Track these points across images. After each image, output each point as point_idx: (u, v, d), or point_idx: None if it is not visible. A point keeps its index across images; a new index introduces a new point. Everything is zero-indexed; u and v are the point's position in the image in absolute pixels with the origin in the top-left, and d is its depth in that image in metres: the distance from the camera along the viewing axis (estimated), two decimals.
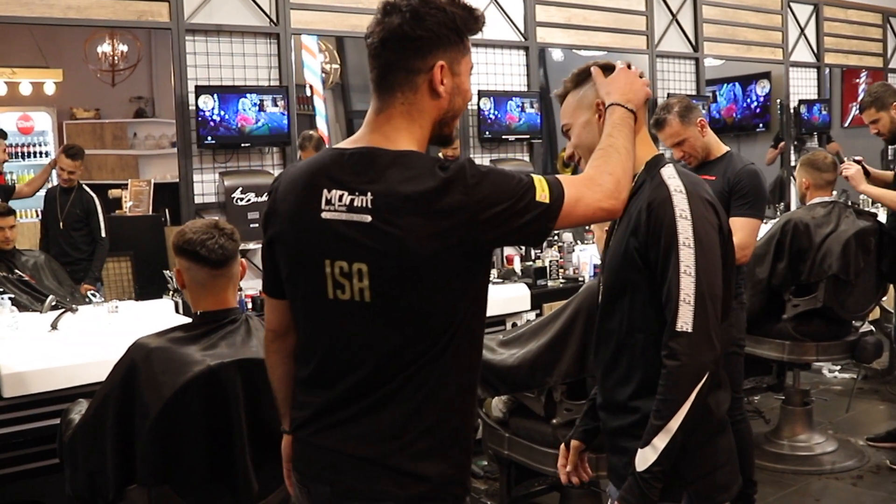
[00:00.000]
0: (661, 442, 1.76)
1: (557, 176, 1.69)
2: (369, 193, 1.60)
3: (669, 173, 1.93)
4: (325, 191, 1.65)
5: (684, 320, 1.78)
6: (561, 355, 3.27)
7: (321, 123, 4.95)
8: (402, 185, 1.58)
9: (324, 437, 1.71)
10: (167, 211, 5.69)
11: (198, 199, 4.25)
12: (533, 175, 1.65)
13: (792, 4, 7.42)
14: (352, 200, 1.61)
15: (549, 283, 4.89)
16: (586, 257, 5.18)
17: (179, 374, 2.29)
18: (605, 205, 1.73)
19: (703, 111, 6.45)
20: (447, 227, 1.56)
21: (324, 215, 1.64)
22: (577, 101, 2.05)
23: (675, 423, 1.76)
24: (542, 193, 1.62)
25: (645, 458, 1.78)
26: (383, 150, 1.64)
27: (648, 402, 1.83)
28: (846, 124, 8.26)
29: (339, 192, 1.64)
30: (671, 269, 1.81)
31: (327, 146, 4.90)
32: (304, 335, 1.78)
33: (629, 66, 2.02)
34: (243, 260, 2.54)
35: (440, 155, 5.68)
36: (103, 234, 4.76)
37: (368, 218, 1.59)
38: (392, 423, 1.65)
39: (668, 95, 6.35)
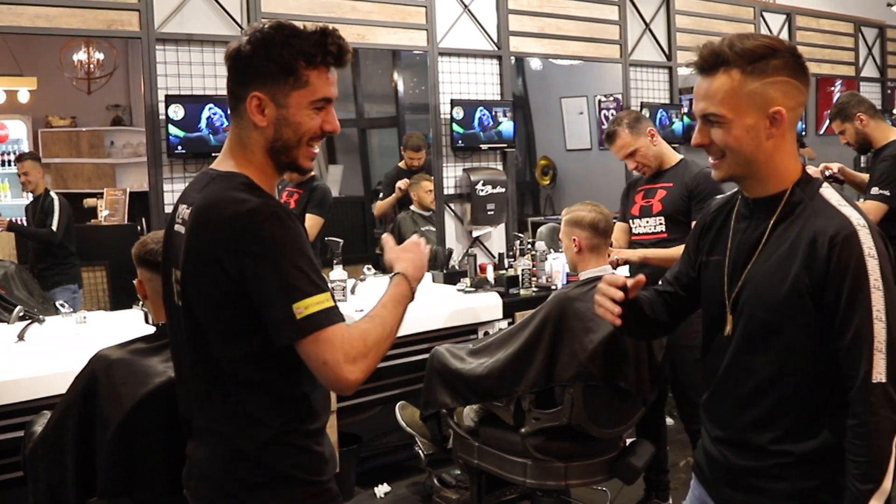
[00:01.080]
0: (878, 503, 1.65)
1: (338, 325, 1.63)
2: (190, 208, 1.76)
3: (838, 199, 1.78)
4: (180, 206, 1.84)
5: (879, 370, 1.64)
6: (529, 364, 3.29)
7: None
8: (206, 199, 1.71)
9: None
10: (143, 220, 5.67)
11: (168, 209, 4.23)
12: (321, 292, 1.62)
13: (765, 14, 7.49)
14: (184, 214, 1.78)
15: (522, 292, 4.91)
16: (559, 266, 5.19)
17: (140, 385, 2.28)
18: (344, 370, 1.61)
19: (677, 120, 6.50)
20: (215, 238, 1.65)
21: (174, 227, 1.84)
22: (744, 90, 1.74)
23: (888, 482, 1.65)
24: (301, 308, 1.59)
25: None
26: (214, 171, 1.79)
27: (798, 445, 1.76)
28: (821, 132, 8.32)
29: (182, 206, 1.82)
30: (859, 314, 1.66)
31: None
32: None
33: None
34: None
35: (401, 165, 5.70)
36: (54, 228, 4.92)
37: (183, 230, 1.76)
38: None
39: (642, 105, 6.38)
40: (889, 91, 9.12)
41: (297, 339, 1.61)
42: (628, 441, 3.52)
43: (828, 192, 1.80)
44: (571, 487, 3.54)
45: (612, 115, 6.91)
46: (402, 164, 5.78)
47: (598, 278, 3.37)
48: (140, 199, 5.97)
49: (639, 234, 3.96)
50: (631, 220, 4.03)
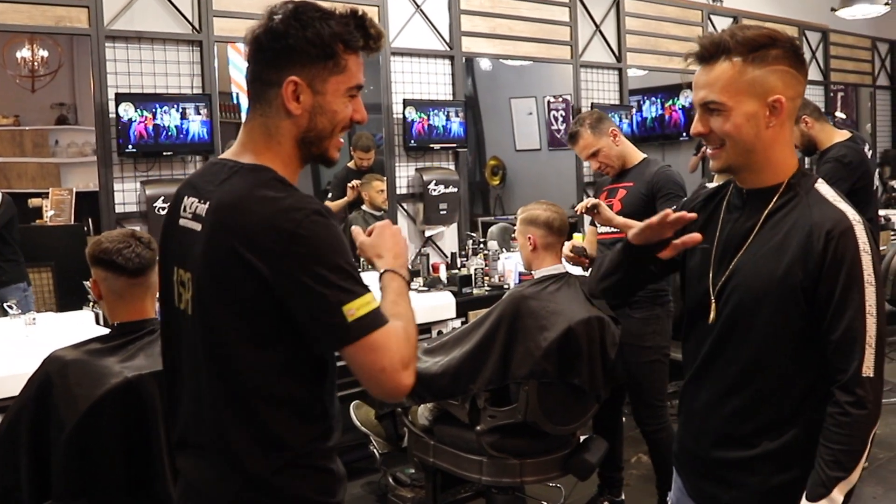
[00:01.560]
0: (840, 494, 1.66)
1: (388, 325, 1.51)
2: (207, 203, 1.60)
3: (833, 195, 1.78)
4: (186, 197, 1.67)
5: (868, 364, 1.66)
6: (484, 362, 3.31)
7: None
8: (233, 195, 1.56)
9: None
10: (90, 220, 5.59)
11: (119, 209, 4.18)
12: (367, 292, 1.51)
13: (712, 17, 7.61)
14: (196, 208, 1.62)
15: (475, 291, 4.93)
16: (511, 265, 5.23)
17: (96, 386, 2.25)
18: (401, 376, 1.50)
19: (626, 121, 6.58)
20: (247, 240, 1.50)
21: (180, 222, 1.66)
22: (745, 79, 1.74)
23: (856, 473, 1.67)
24: (352, 309, 1.47)
25: None
26: (233, 162, 1.63)
27: (774, 441, 1.77)
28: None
29: (192, 199, 1.65)
30: (852, 309, 1.67)
31: None
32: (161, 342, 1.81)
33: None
34: None
35: (350, 165, 5.69)
36: None
37: (198, 227, 1.59)
38: None
39: (592, 106, 6.45)
40: (832, 94, 9.33)
41: (349, 343, 1.48)
42: (582, 438, 3.56)
43: (823, 187, 1.81)
44: (526, 484, 3.57)
45: (562, 115, 6.99)
46: (351, 165, 5.77)
47: (553, 276, 3.45)
48: (86, 199, 5.89)
49: (602, 234, 3.94)
50: (598, 226, 3.97)
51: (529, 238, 3.53)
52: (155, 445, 2.29)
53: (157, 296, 1.82)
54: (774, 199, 1.80)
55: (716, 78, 1.75)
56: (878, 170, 8.22)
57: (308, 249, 1.47)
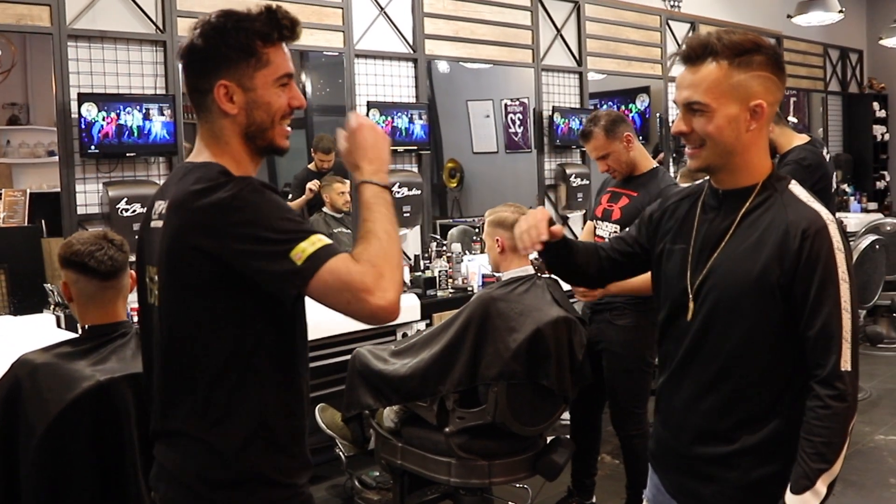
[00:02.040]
0: (823, 485, 1.70)
1: (340, 255, 1.55)
2: (167, 201, 1.70)
3: (806, 196, 1.83)
4: (156, 201, 1.78)
5: (846, 358, 1.71)
6: (453, 364, 3.32)
7: None
8: (181, 189, 1.66)
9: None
10: (43, 222, 5.49)
11: (80, 210, 4.13)
12: (312, 234, 1.56)
13: (670, 22, 7.71)
14: (160, 208, 1.73)
15: (439, 294, 4.94)
16: (475, 267, 5.25)
17: (67, 390, 2.22)
18: (372, 297, 1.53)
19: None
20: (192, 224, 1.60)
21: (151, 224, 1.78)
22: (729, 82, 1.79)
23: (838, 464, 1.71)
24: (298, 253, 1.54)
25: (806, 501, 1.70)
26: (190, 163, 1.75)
27: (753, 435, 1.81)
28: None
29: (159, 202, 1.76)
30: (828, 306, 1.72)
31: None
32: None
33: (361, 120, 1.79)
34: (133, 272, 2.48)
35: (311, 166, 5.66)
36: None
37: (161, 223, 1.70)
38: None
39: (554, 109, 6.49)
40: (785, 99, 9.50)
41: (305, 283, 1.53)
42: (549, 439, 3.59)
43: (796, 188, 1.86)
44: (494, 485, 3.58)
45: (519, 118, 7.03)
46: (311, 166, 5.74)
47: (521, 278, 3.47)
48: (40, 201, 5.78)
49: (600, 237, 3.85)
50: (595, 221, 3.94)
51: (497, 240, 3.56)
52: (128, 449, 2.27)
53: (135, 297, 1.89)
54: (750, 200, 1.84)
55: (701, 79, 1.79)
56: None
57: (245, 216, 1.56)
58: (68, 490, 2.24)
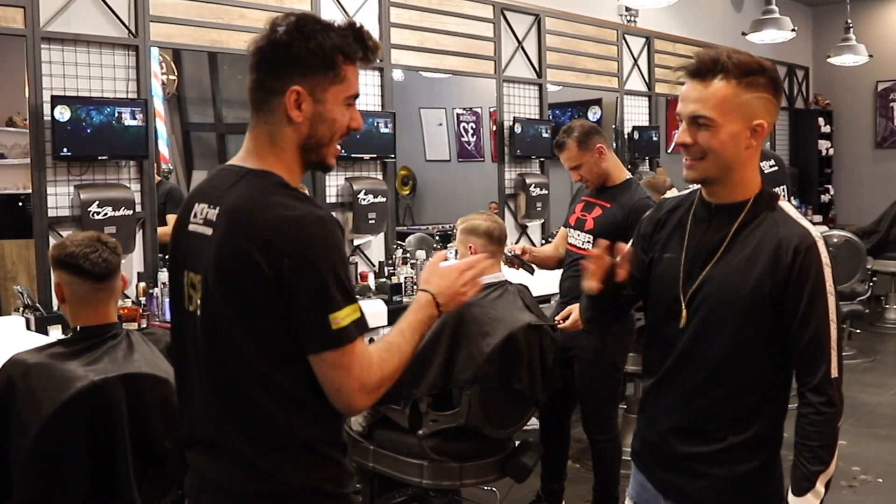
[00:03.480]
0: (822, 485, 1.83)
1: (363, 342, 1.61)
2: (217, 208, 1.66)
3: (795, 213, 1.95)
4: (196, 204, 1.73)
5: (834, 366, 1.83)
6: (427, 368, 3.39)
7: (162, 147, 4.89)
8: (243, 198, 1.62)
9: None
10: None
11: (51, 213, 4.11)
12: (355, 301, 1.60)
13: (627, 36, 7.88)
14: (207, 213, 1.68)
15: (405, 300, 5.00)
16: None
17: (61, 390, 2.25)
18: (356, 398, 1.60)
19: (547, 134, 6.75)
20: (251, 244, 1.56)
21: (189, 227, 1.72)
22: (737, 101, 1.86)
23: (833, 464, 1.84)
24: (338, 318, 1.56)
25: (808, 502, 1.83)
26: (239, 167, 1.70)
27: (739, 435, 1.93)
28: (669, 150, 8.79)
29: (202, 206, 1.71)
30: (817, 317, 1.83)
31: (166, 165, 4.87)
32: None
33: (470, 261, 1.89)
34: (124, 274, 2.52)
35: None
36: None
37: (210, 231, 1.66)
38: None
39: (515, 119, 6.61)
40: None
41: (324, 349, 1.56)
42: (517, 442, 3.67)
43: (785, 205, 1.97)
44: (465, 487, 3.66)
45: (472, 128, 7.12)
46: None
47: (493, 285, 3.55)
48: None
49: (572, 245, 3.93)
50: (568, 229, 4.00)
51: (470, 247, 3.63)
52: (120, 449, 2.31)
53: (170, 299, 1.85)
54: (743, 214, 1.94)
55: (711, 94, 1.86)
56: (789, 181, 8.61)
57: (309, 254, 1.55)
58: (61, 489, 2.28)
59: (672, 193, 3.79)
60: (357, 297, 1.63)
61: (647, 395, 2.13)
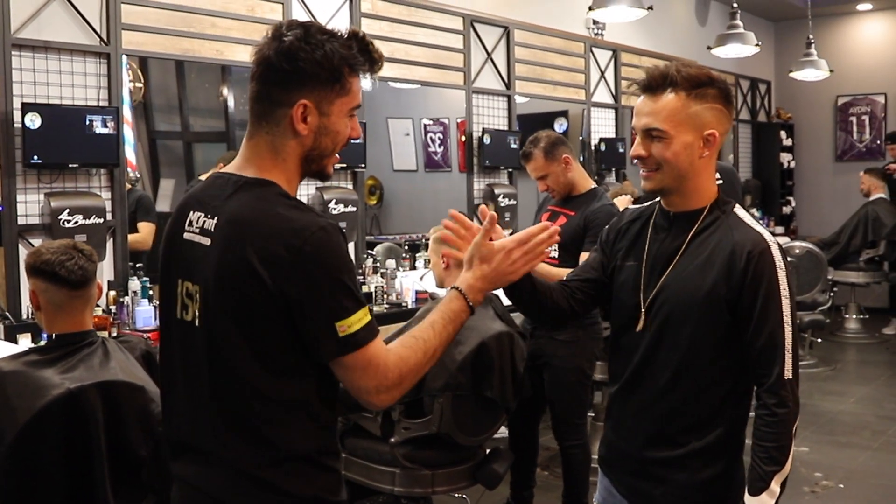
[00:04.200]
0: (777, 484, 1.86)
1: (377, 342, 1.61)
2: (216, 218, 1.64)
3: (750, 219, 2.00)
4: (192, 212, 1.70)
5: (788, 367, 1.86)
6: None
7: (129, 153, 4.87)
8: (239, 210, 1.60)
9: None
10: None
11: (21, 221, 4.08)
12: (363, 306, 1.59)
13: (594, 49, 7.97)
14: (203, 223, 1.66)
15: (375, 309, 5.01)
16: (408, 283, 5.35)
17: (37, 397, 2.25)
18: (376, 397, 1.61)
19: (515, 144, 6.81)
20: (252, 255, 1.55)
21: (185, 236, 1.70)
22: (687, 112, 1.93)
23: (788, 464, 1.87)
24: (344, 325, 1.56)
25: (763, 502, 1.86)
26: (237, 176, 1.67)
27: (700, 440, 1.96)
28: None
29: (198, 214, 1.68)
30: (773, 320, 1.87)
31: (134, 173, 4.86)
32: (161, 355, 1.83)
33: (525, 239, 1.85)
34: (99, 282, 2.52)
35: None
36: None
37: (208, 241, 1.64)
38: None
39: (484, 130, 6.65)
40: None
41: (337, 356, 1.57)
42: (488, 450, 3.70)
43: (741, 211, 2.03)
44: (436, 494, 3.68)
45: (439, 138, 7.16)
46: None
47: None
48: None
49: None
50: None
51: (443, 257, 3.66)
52: (96, 457, 2.31)
53: (160, 307, 1.83)
54: (699, 221, 2.00)
55: (661, 107, 1.94)
56: (741, 194, 8.74)
57: (312, 264, 1.54)
58: (37, 497, 2.27)
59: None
60: (365, 301, 1.63)
61: (613, 401, 2.18)
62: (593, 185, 3.99)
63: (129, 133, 4.77)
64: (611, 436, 2.19)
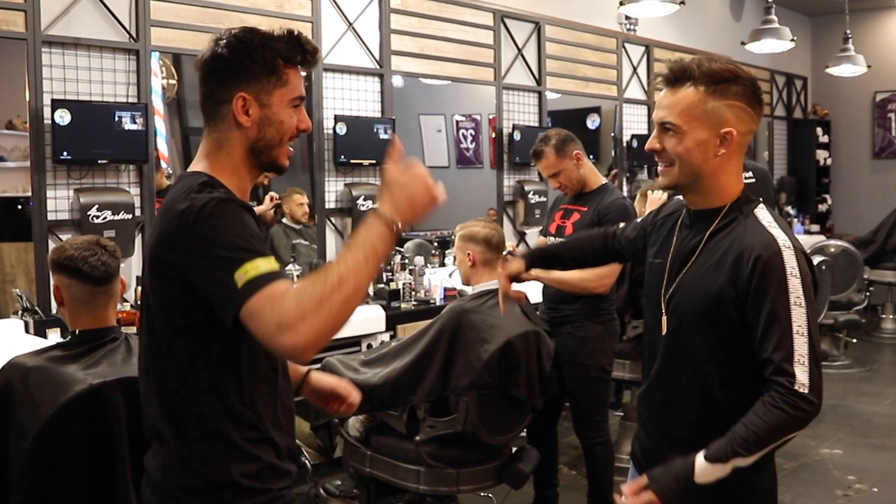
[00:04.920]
0: (731, 467, 1.76)
1: (279, 284, 1.54)
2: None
3: (769, 220, 1.90)
4: None
5: (802, 381, 1.74)
6: (425, 374, 3.40)
7: (161, 144, 4.89)
8: (166, 199, 1.72)
9: None
10: None
11: (51, 216, 4.12)
12: (260, 256, 1.56)
13: (626, 44, 7.90)
14: None
15: (403, 306, 5.01)
16: (437, 280, 5.34)
17: (60, 393, 2.24)
18: (278, 338, 1.50)
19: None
20: (161, 234, 1.66)
21: None
22: (703, 107, 1.88)
23: (753, 458, 1.76)
24: (241, 274, 1.54)
25: (710, 472, 1.78)
26: (183, 173, 1.82)
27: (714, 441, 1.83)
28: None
29: None
30: (780, 328, 1.76)
31: (165, 165, 4.87)
32: None
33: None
34: (123, 278, 2.52)
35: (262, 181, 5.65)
36: None
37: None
38: None
39: (514, 126, 6.62)
40: None
41: (239, 308, 1.53)
42: (514, 448, 3.68)
43: (762, 212, 1.94)
44: (461, 493, 3.66)
45: (471, 134, 7.13)
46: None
47: (491, 291, 3.56)
48: None
49: None
50: (548, 237, 4.06)
51: (469, 254, 3.64)
52: (118, 453, 2.30)
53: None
54: (717, 221, 1.94)
55: (677, 101, 1.88)
56: (774, 194, 8.62)
57: (204, 232, 1.59)
58: (59, 493, 2.26)
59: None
60: (269, 253, 1.59)
61: (640, 400, 2.16)
62: (604, 180, 4.00)
63: (160, 125, 4.78)
64: (641, 433, 2.17)
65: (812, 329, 1.78)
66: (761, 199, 2.00)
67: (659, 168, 1.98)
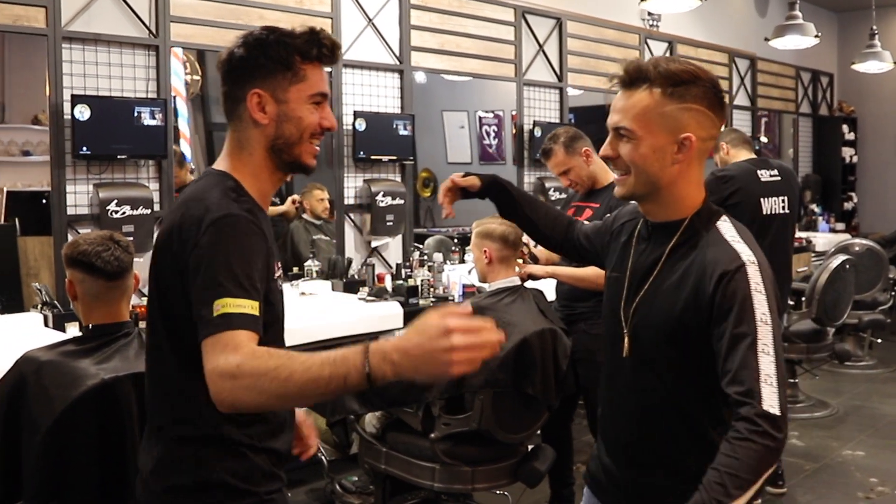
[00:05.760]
0: None
1: (246, 333, 1.51)
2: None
3: (732, 234, 1.78)
4: None
5: (770, 402, 1.59)
6: None
7: (183, 125, 4.88)
8: (185, 195, 1.73)
9: None
10: (17, 220, 5.47)
11: (70, 211, 4.15)
12: (246, 298, 1.54)
13: (649, 41, 7.86)
14: None
15: (421, 302, 5.00)
16: (455, 277, 5.32)
17: (72, 387, 2.26)
18: (212, 380, 1.47)
19: None
20: (171, 236, 1.66)
21: None
22: (660, 111, 1.74)
23: (740, 501, 1.57)
24: (219, 305, 1.52)
25: None
26: (210, 169, 1.80)
27: (685, 470, 1.74)
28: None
29: None
30: (745, 347, 1.62)
31: (186, 158, 4.89)
32: None
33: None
34: (137, 272, 2.53)
35: None
36: None
37: None
38: None
39: (535, 122, 6.59)
40: (757, 119, 9.69)
41: (205, 337, 1.52)
42: (530, 447, 3.66)
43: (724, 225, 1.81)
44: (477, 491, 3.65)
45: (494, 130, 7.11)
46: None
47: (508, 289, 3.54)
48: (15, 199, 5.76)
49: None
50: None
51: (485, 251, 3.63)
52: (129, 447, 2.31)
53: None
54: (677, 235, 1.81)
55: (632, 105, 1.75)
56: (799, 193, 8.54)
57: (209, 244, 1.59)
58: (70, 485, 2.28)
59: None
60: (258, 297, 1.57)
61: (601, 421, 2.05)
62: (614, 177, 3.95)
63: (182, 107, 4.78)
64: (602, 455, 2.03)
65: (777, 347, 1.65)
66: (723, 210, 1.87)
67: (616, 177, 1.86)
